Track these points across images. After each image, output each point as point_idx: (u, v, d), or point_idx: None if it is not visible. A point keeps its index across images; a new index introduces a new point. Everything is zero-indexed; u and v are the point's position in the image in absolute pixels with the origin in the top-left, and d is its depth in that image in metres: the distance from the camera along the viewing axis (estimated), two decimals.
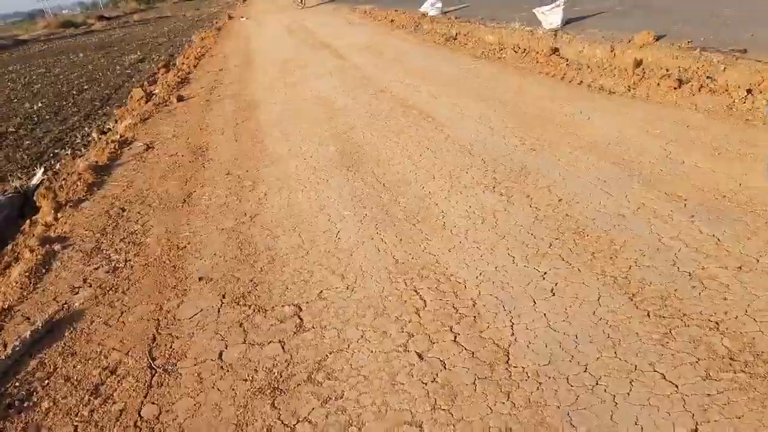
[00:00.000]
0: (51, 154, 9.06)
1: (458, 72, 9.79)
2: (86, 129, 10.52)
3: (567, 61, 8.94)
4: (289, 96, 10.02)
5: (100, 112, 12.20)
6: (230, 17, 36.29)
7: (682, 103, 6.17)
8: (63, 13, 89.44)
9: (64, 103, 13.77)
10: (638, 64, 7.38)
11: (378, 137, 6.86)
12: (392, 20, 18.77)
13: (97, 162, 7.39)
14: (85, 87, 16.02)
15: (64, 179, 6.94)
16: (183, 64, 17.00)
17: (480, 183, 5.06)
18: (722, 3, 9.15)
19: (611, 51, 7.91)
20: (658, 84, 6.74)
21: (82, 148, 8.98)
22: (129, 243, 5.05)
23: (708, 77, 6.37)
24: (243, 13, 39.35)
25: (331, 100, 9.16)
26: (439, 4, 16.34)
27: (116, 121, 10.37)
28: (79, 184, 6.59)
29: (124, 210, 5.83)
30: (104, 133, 9.68)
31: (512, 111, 6.93)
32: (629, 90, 7.01)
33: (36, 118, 12.19)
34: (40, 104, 13.91)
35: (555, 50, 9.46)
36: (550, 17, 9.89)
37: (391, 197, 5.08)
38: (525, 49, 10.30)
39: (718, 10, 8.83)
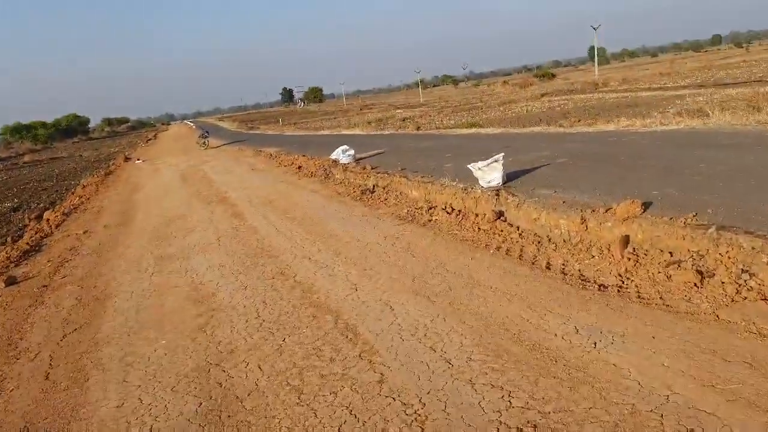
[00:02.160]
0: None
1: (382, 242, 7.64)
2: None
3: (519, 230, 7.00)
4: (155, 283, 7.40)
5: None
6: (126, 159, 33.85)
7: (724, 316, 4.12)
8: None
9: None
10: (624, 242, 5.44)
11: (271, 381, 4.31)
12: (299, 167, 16.97)
13: None
14: None
15: None
16: (46, 220, 14.05)
17: None
18: (688, 157, 7.74)
19: (582, 223, 6.02)
20: (668, 277, 4.76)
21: None
22: None
23: (744, 270, 4.44)
24: (141, 155, 37.15)
25: (210, 292, 6.64)
26: (351, 152, 14.71)
27: None
28: None
29: None
30: None
31: (474, 325, 4.67)
32: (622, 281, 4.99)
33: None
34: None
35: (500, 214, 7.56)
36: (488, 174, 8.14)
37: None
38: (461, 211, 8.39)
39: (691, 164, 7.35)
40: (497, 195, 7.85)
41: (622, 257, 5.33)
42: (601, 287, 5.00)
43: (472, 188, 8.51)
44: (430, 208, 9.08)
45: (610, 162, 8.51)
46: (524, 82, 77.89)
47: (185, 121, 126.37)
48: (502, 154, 8.18)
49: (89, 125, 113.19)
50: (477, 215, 7.95)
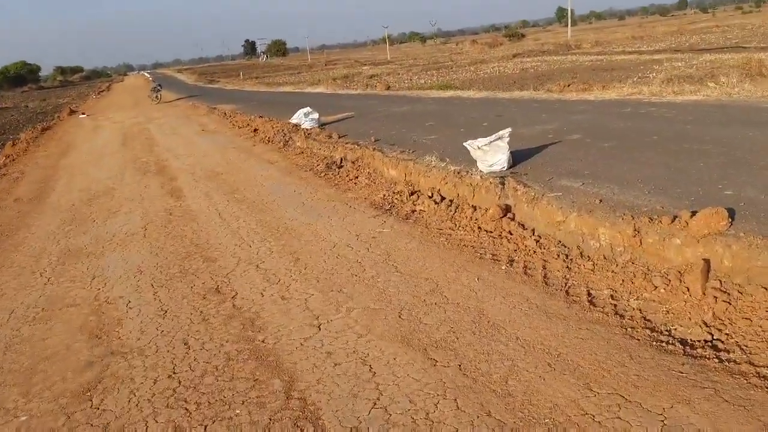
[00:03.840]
0: None
1: (355, 243, 5.85)
2: None
3: (535, 235, 5.29)
4: (47, 296, 5.48)
5: None
6: (72, 112, 30.85)
7: None
8: None
9: None
10: (706, 270, 3.78)
11: None
12: (255, 130, 14.91)
13: None
14: None
15: None
16: None
17: None
18: (745, 140, 6.11)
19: (635, 235, 4.33)
20: None
21: None
22: None
23: None
24: (88, 108, 34.25)
25: (116, 318, 4.77)
26: (315, 115, 12.71)
27: None
28: None
29: None
30: None
31: (506, 420, 2.95)
32: (712, 334, 3.36)
33: None
34: None
35: (506, 210, 5.83)
36: (491, 155, 6.36)
37: None
38: (452, 201, 6.63)
39: (757, 150, 5.73)
40: (502, 184, 6.10)
41: (704, 294, 3.67)
42: (686, 346, 3.33)
43: (467, 172, 6.73)
44: (413, 194, 7.29)
45: (644, 143, 6.82)
46: (493, 41, 75.85)
47: (143, 72, 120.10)
48: (509, 129, 6.40)
49: (40, 74, 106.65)
50: (475, 209, 6.21)
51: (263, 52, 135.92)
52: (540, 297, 4.19)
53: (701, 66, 23.35)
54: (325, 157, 10.29)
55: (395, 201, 7.28)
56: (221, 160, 11.70)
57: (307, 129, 12.48)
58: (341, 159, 9.82)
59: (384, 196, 7.53)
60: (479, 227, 5.88)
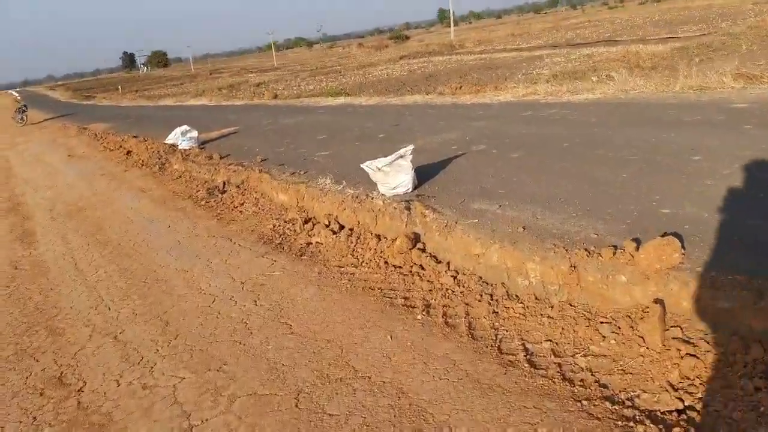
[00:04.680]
0: None
1: (238, 293, 4.86)
2: None
3: (452, 270, 4.55)
4: None
5: None
6: None
7: None
8: None
9: None
10: (661, 315, 3.16)
11: None
12: (129, 152, 13.32)
13: None
14: None
15: None
16: None
17: None
18: (662, 143, 5.72)
19: (572, 272, 3.66)
20: None
21: None
22: None
23: None
24: None
25: None
26: (194, 134, 11.42)
27: None
28: None
29: None
30: None
31: None
32: (685, 407, 2.71)
33: None
34: None
35: (415, 239, 5.05)
36: (393, 177, 5.56)
37: None
38: (353, 230, 5.77)
39: (678, 154, 5.32)
40: (408, 209, 5.32)
41: (664, 346, 3.04)
42: (658, 422, 2.65)
43: (367, 195, 5.90)
44: (307, 222, 6.36)
45: (555, 152, 6.29)
46: (380, 44, 76.35)
47: (10, 91, 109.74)
48: (411, 146, 5.63)
49: None
50: (380, 238, 5.38)
51: (143, 64, 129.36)
52: (469, 358, 3.41)
53: (581, 60, 24.18)
54: (206, 182, 9.12)
55: (287, 232, 6.33)
56: (87, 191, 10.16)
57: (185, 149, 11.17)
58: (224, 183, 8.70)
59: (274, 226, 6.55)
60: (386, 262, 5.06)
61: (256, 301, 4.67)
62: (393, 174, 5.52)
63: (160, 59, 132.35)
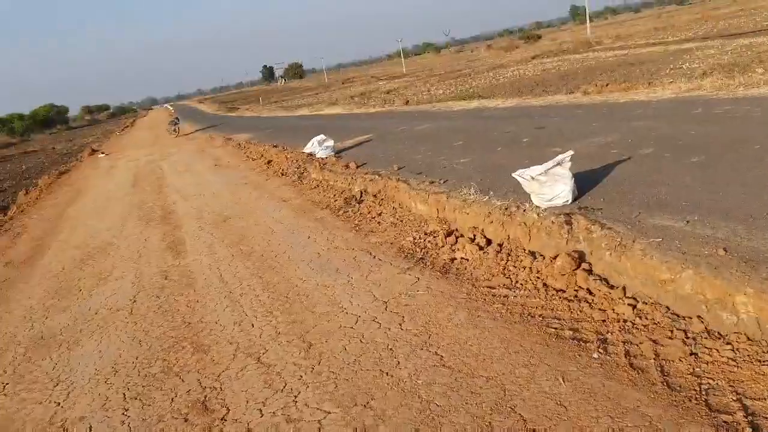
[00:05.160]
0: None
1: (382, 315, 4.52)
2: None
3: (629, 297, 3.86)
4: None
5: None
6: (92, 152, 30.21)
7: None
8: None
9: None
10: None
11: None
12: (270, 161, 13.72)
13: None
14: None
15: None
16: None
17: None
18: None
19: None
20: None
21: None
22: None
23: None
24: (109, 147, 33.99)
25: None
26: (330, 143, 11.44)
27: None
28: None
29: None
30: None
31: None
32: None
33: None
34: None
35: (579, 259, 4.40)
36: (550, 188, 4.96)
37: None
38: (502, 246, 5.24)
39: None
40: (569, 223, 4.69)
41: None
42: None
43: (518, 207, 5.33)
44: (449, 234, 5.92)
45: (745, 156, 5.33)
46: (509, 45, 74.52)
47: (166, 105, 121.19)
48: (570, 152, 5.00)
49: (68, 114, 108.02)
50: (534, 256, 4.80)
51: (281, 76, 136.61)
52: (669, 415, 2.77)
53: (739, 51, 21.61)
54: (343, 191, 9.00)
55: (428, 245, 5.93)
56: (231, 200, 10.49)
57: (322, 158, 11.22)
58: (361, 192, 8.51)
59: (414, 239, 6.19)
60: (545, 284, 4.48)
61: (401, 325, 4.29)
62: (549, 184, 4.92)
63: (296, 71, 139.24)
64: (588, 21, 63.33)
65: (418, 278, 5.13)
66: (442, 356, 3.74)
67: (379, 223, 7.18)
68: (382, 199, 7.93)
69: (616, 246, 4.13)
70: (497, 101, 15.19)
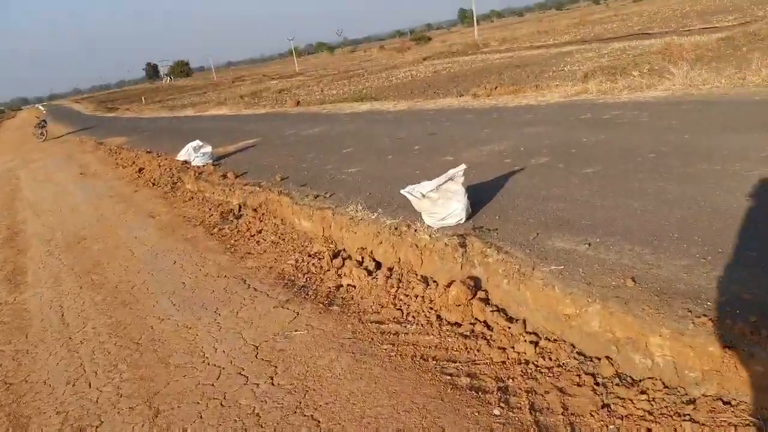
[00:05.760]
0: None
1: (253, 372, 3.82)
2: None
3: (529, 333, 3.40)
4: None
5: None
6: None
7: None
8: None
9: None
10: None
11: None
12: (141, 169, 12.43)
13: None
14: None
15: None
16: None
17: None
18: None
19: (726, 353, 2.48)
20: None
21: None
22: None
23: None
24: None
25: None
26: (208, 149, 10.44)
27: None
28: None
29: None
30: None
31: None
32: None
33: None
34: None
35: (474, 287, 3.91)
36: (442, 206, 4.42)
37: None
38: (391, 270, 4.66)
39: None
40: (463, 245, 4.18)
41: None
42: None
43: (408, 226, 4.77)
44: (335, 257, 5.28)
45: (642, 165, 5.06)
46: (402, 46, 75.41)
47: (37, 105, 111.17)
48: (463, 166, 4.49)
49: None
50: (427, 282, 4.26)
51: (166, 74, 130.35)
52: None
53: (615, 55, 22.80)
54: (220, 204, 8.11)
55: (312, 269, 5.26)
56: (92, 217, 9.23)
57: (198, 167, 10.19)
58: (239, 207, 7.68)
59: (296, 261, 5.50)
60: (438, 316, 3.95)
61: (273, 378, 3.57)
62: (442, 201, 4.39)
63: (182, 69, 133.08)
64: (476, 24, 65.22)
65: (298, 313, 4.43)
66: (319, 421, 3.07)
67: (258, 242, 6.39)
68: (263, 214, 7.15)
69: (514, 273, 3.66)
70: (389, 104, 14.76)
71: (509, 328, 3.53)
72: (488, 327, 3.67)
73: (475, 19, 66.47)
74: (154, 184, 10.66)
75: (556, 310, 3.31)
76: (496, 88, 13.95)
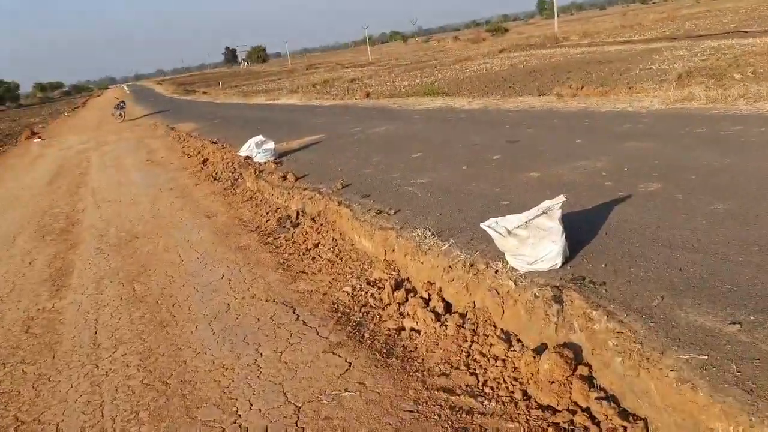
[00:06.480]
0: None
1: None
2: None
3: None
4: None
5: None
6: (31, 134, 27.71)
7: None
8: None
9: None
10: None
11: None
12: (205, 160, 12.08)
13: None
14: None
15: None
16: None
17: None
18: None
19: None
20: None
21: None
22: None
23: None
24: (51, 130, 31.81)
25: None
26: (270, 145, 9.88)
27: None
28: None
29: None
30: None
31: None
32: None
33: None
34: None
35: (573, 359, 3.03)
36: (532, 247, 3.56)
37: None
38: (464, 315, 3.86)
39: None
40: (558, 301, 3.31)
41: None
42: None
43: (487, 265, 3.93)
44: (398, 288, 4.52)
45: None
46: (476, 37, 73.67)
47: (122, 85, 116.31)
48: (561, 198, 3.60)
49: (19, 91, 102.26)
50: (509, 342, 3.43)
51: (244, 59, 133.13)
52: None
53: (708, 54, 20.79)
54: (278, 208, 7.51)
55: (370, 301, 4.54)
56: (148, 211, 8.87)
57: (259, 163, 9.65)
58: (297, 213, 7.04)
59: (353, 288, 4.80)
60: (524, 392, 3.11)
61: None
62: (532, 241, 3.53)
63: (259, 54, 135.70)
64: (555, 15, 62.65)
65: (351, 364, 3.70)
66: None
67: (313, 259, 5.73)
68: (321, 225, 6.48)
69: (633, 353, 2.77)
70: (463, 101, 13.82)
71: (625, 429, 2.66)
72: (593, 420, 2.81)
73: (555, 10, 63.80)
74: (215, 179, 10.23)
75: (698, 419, 2.41)
76: (582, 87, 12.77)
